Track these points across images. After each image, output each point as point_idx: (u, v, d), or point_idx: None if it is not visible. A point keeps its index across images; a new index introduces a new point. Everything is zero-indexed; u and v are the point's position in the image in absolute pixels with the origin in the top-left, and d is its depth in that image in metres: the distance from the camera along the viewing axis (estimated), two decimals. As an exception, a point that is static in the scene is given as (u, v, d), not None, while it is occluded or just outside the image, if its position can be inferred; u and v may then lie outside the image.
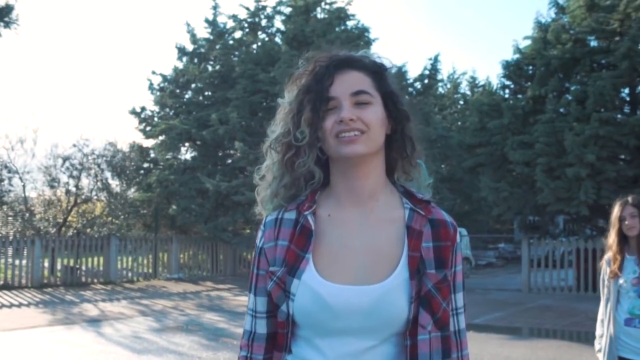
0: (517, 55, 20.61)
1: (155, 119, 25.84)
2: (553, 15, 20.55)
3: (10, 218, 24.18)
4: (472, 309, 15.82)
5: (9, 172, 23.44)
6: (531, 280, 19.43)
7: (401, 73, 24.24)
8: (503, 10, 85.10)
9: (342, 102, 1.64)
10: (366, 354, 1.60)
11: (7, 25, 20.01)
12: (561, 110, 18.90)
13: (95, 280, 20.63)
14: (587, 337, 12.21)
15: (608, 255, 4.80)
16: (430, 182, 1.96)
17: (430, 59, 25.36)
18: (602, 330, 4.81)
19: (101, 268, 21.22)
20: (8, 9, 19.86)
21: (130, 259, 22.22)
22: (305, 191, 1.73)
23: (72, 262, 20.52)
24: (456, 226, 1.73)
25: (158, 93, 25.94)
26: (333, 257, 1.64)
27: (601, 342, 4.80)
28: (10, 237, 20.96)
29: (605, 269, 4.84)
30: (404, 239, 1.64)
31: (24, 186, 23.70)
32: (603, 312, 4.84)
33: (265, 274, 1.69)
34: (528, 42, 20.65)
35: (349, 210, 1.69)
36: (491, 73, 49.10)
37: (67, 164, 23.87)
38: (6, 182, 23.51)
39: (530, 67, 20.29)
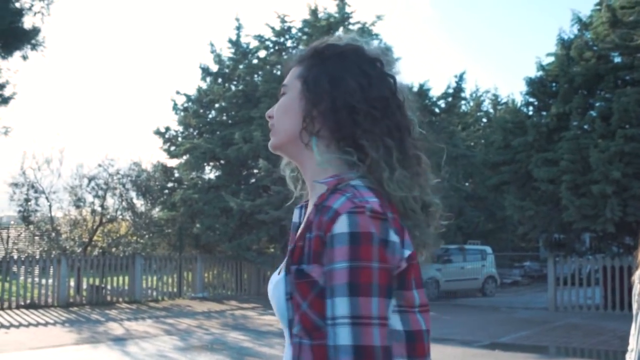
0: (540, 73, 20.54)
1: (179, 138, 26.00)
2: (576, 32, 20.45)
3: (36, 237, 24.40)
4: (497, 328, 15.72)
5: (36, 192, 23.68)
6: (557, 299, 19.25)
7: (423, 91, 24.23)
8: (525, 27, 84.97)
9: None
10: (286, 348, 1.48)
11: (33, 47, 20.28)
12: (586, 127, 18.80)
13: (121, 299, 20.71)
14: (615, 356, 12.07)
15: (638, 272, 4.76)
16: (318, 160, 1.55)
17: (456, 77, 25.27)
18: (633, 344, 4.76)
19: (126, 287, 21.31)
20: (35, 31, 20.14)
21: (155, 278, 22.30)
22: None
23: (97, 282, 20.64)
24: (340, 215, 1.33)
25: (182, 113, 26.11)
26: None
27: (631, 356, 4.75)
28: (37, 257, 21.12)
29: (637, 285, 4.81)
30: None
31: (50, 206, 23.92)
32: (634, 326, 4.80)
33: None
34: (551, 59, 20.58)
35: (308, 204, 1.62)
36: (514, 90, 49.04)
37: (92, 183, 24.07)
38: (33, 202, 23.74)
39: (554, 84, 20.20)
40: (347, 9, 24.99)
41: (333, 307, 1.31)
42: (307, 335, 1.35)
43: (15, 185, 23.53)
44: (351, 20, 25.17)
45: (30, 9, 19.97)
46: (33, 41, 20.19)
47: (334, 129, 1.50)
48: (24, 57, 20.22)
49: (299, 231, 1.46)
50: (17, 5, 19.55)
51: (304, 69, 1.60)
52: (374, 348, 1.28)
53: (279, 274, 1.52)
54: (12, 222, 29.35)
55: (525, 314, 18.77)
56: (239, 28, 26.33)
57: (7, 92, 20.54)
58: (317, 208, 1.39)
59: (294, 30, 26.02)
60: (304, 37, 25.36)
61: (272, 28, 26.02)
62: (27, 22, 19.99)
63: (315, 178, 1.52)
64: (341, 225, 1.32)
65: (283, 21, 25.90)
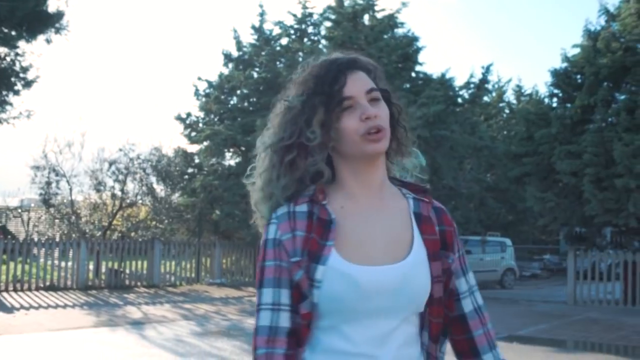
0: (565, 64, 20.33)
1: (200, 124, 26.01)
2: (603, 23, 20.20)
3: (57, 220, 24.54)
4: (516, 320, 15.61)
5: (57, 175, 23.78)
6: (577, 293, 19.09)
7: (446, 80, 24.01)
8: (551, 17, 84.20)
9: (359, 101, 1.70)
10: (391, 335, 1.64)
11: (57, 31, 20.34)
12: (610, 120, 18.60)
13: (139, 284, 20.79)
14: (634, 352, 11.96)
15: None
16: (423, 164, 1.93)
17: (482, 68, 24.88)
18: None
19: (145, 271, 21.38)
20: (59, 15, 20.19)
21: (173, 263, 22.35)
22: (309, 189, 1.75)
23: (116, 265, 20.73)
24: (442, 207, 1.85)
25: (203, 99, 26.11)
26: (354, 243, 1.68)
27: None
28: (57, 239, 21.24)
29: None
30: (412, 225, 1.73)
31: (70, 189, 24.03)
32: None
33: (288, 266, 1.67)
34: (577, 50, 20.36)
35: (361, 201, 1.74)
36: (538, 81, 48.57)
37: (113, 168, 24.15)
38: (54, 185, 23.85)
39: (579, 76, 19.99)
40: (372, -4, 24.81)
41: (469, 279, 1.83)
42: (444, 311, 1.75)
43: (37, 168, 23.66)
44: (376, 8, 25.02)
45: (54, -8, 20.02)
46: (57, 25, 20.25)
47: (401, 137, 1.85)
48: (48, 41, 20.29)
49: (425, 226, 1.75)
50: (42, -12, 19.59)
51: (375, 81, 1.78)
52: None
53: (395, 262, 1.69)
54: (32, 205, 29.56)
55: (544, 307, 18.65)
56: (262, 14, 26.28)
57: (30, 76, 20.63)
58: (435, 209, 1.81)
59: (315, 17, 25.91)
60: (327, 24, 25.26)
61: (294, 15, 25.93)
62: (52, 5, 20.08)
63: (384, 177, 1.79)
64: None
65: (304, 7, 25.78)
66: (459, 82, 25.50)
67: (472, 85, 24.82)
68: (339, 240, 1.67)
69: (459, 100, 24.72)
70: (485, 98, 29.54)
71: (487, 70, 25.00)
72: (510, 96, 40.02)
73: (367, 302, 1.62)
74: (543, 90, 34.83)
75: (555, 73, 20.44)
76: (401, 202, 1.78)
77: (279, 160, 1.75)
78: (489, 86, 27.53)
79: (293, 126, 1.74)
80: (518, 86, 39.92)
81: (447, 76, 24.30)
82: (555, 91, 20.95)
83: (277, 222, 1.72)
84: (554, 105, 21.07)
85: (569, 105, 20.23)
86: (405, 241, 1.70)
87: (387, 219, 1.73)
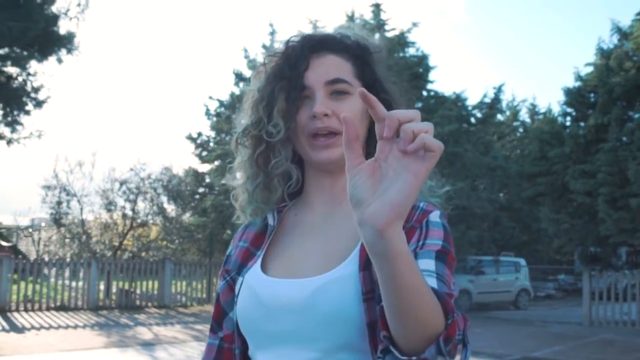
0: (578, 83, 20.26)
1: (211, 144, 26.02)
2: (615, 42, 20.17)
3: (67, 240, 24.50)
4: (530, 342, 15.42)
5: (68, 194, 23.76)
6: (592, 314, 18.85)
7: (460, 100, 23.97)
8: (565, 36, 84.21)
9: (315, 93, 1.41)
10: None
11: (68, 51, 20.44)
12: (624, 138, 18.49)
13: (150, 304, 20.68)
14: (653, 375, 11.75)
15: None
16: (431, 185, 1.52)
17: (494, 88, 24.94)
18: None
19: (155, 292, 21.28)
20: (70, 36, 20.29)
21: (184, 283, 22.25)
22: (279, 193, 1.49)
23: (127, 286, 20.63)
24: (431, 211, 1.37)
25: (214, 118, 26.14)
26: (286, 255, 1.42)
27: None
28: (68, 259, 21.19)
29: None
30: None
31: (81, 209, 23.99)
32: None
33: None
34: (590, 69, 20.30)
35: (317, 209, 1.47)
36: (552, 100, 48.50)
37: (124, 187, 24.11)
38: (64, 204, 23.83)
39: (592, 95, 19.91)
40: (383, 16, 24.85)
41: (428, 265, 1.29)
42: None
43: (48, 187, 23.66)
44: (386, 27, 25.03)
45: (66, 14, 20.15)
46: (68, 46, 20.36)
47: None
48: (59, 61, 20.39)
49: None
50: (53, 9, 19.72)
51: (357, 69, 1.47)
52: None
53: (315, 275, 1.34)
54: (43, 224, 29.56)
55: (559, 328, 18.41)
56: (272, 34, 26.32)
57: (41, 96, 20.73)
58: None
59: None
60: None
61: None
62: (63, 27, 20.17)
63: None
64: (435, 217, 1.36)
65: (315, 27, 25.78)
66: (471, 102, 25.51)
67: (485, 105, 24.78)
68: (272, 251, 1.44)
69: (472, 119, 24.67)
70: (499, 117, 29.49)
71: (500, 89, 24.97)
72: (524, 115, 39.93)
73: (273, 322, 1.32)
74: (557, 109, 34.78)
75: (568, 92, 20.37)
76: None
77: (250, 154, 1.49)
78: (503, 105, 27.47)
79: (256, 114, 1.47)
80: (532, 105, 39.81)
81: (463, 97, 24.33)
82: (569, 110, 20.90)
83: (234, 236, 1.57)
84: (568, 124, 20.99)
85: (582, 124, 20.16)
86: (343, 252, 1.35)
87: (339, 229, 1.41)
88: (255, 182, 1.48)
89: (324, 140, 1.39)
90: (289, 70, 1.43)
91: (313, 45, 1.45)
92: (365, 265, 1.28)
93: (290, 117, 1.41)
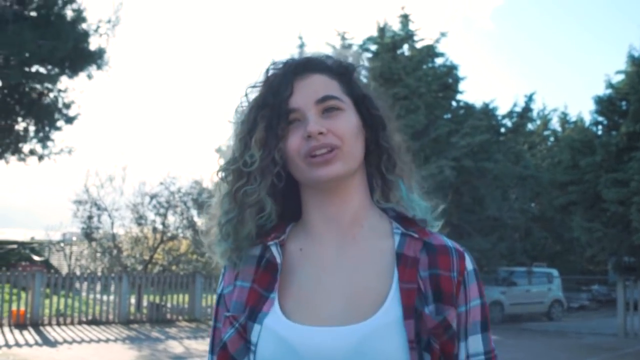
0: (609, 91, 20.05)
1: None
2: (646, 49, 19.93)
3: (98, 254, 24.67)
4: (564, 354, 15.22)
5: (99, 209, 23.95)
6: (627, 324, 18.58)
7: (490, 110, 23.86)
8: (594, 44, 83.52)
9: (306, 113, 1.35)
10: None
11: (99, 67, 20.64)
12: (657, 146, 18.23)
13: (180, 318, 20.71)
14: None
15: None
16: (426, 207, 1.49)
17: (525, 97, 24.89)
18: None
19: (186, 305, 21.32)
20: (100, 52, 20.49)
21: (215, 297, 22.24)
22: (251, 228, 1.39)
23: (157, 299, 20.70)
24: (464, 253, 1.37)
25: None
26: (304, 296, 1.33)
27: None
28: (99, 273, 21.33)
29: None
30: (393, 272, 1.31)
31: (112, 223, 24.15)
32: None
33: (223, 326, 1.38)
34: (621, 76, 20.08)
35: (326, 241, 1.38)
36: (584, 109, 48.06)
37: (154, 201, 24.25)
38: (95, 219, 24.02)
39: (624, 102, 19.69)
40: (411, 26, 24.81)
41: (472, 345, 1.33)
42: None
43: (79, 202, 23.85)
44: (415, 38, 24.99)
45: (96, 30, 20.35)
46: (98, 62, 20.55)
47: (377, 163, 1.46)
48: (89, 77, 20.58)
49: (405, 270, 1.31)
50: (84, 27, 19.94)
51: (344, 85, 1.43)
52: None
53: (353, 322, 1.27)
54: (74, 239, 29.82)
55: (593, 339, 18.16)
56: (301, 46, 26.36)
57: (72, 112, 20.93)
58: (428, 247, 1.35)
59: (354, 48, 25.93)
60: (368, 55, 25.27)
61: (333, 46, 25.98)
62: (93, 43, 20.38)
63: (360, 210, 1.40)
64: (470, 264, 1.37)
65: (343, 38, 25.85)
66: (500, 112, 25.37)
67: (515, 114, 24.64)
68: (286, 292, 1.34)
69: (502, 129, 24.54)
70: (530, 126, 29.31)
71: (530, 98, 24.84)
72: (555, 124, 39.60)
73: None
74: (588, 118, 34.45)
75: (599, 100, 20.19)
76: (385, 241, 1.37)
77: (229, 190, 1.40)
78: (533, 114, 27.29)
79: (235, 148, 1.40)
80: (563, 114, 39.43)
81: (492, 106, 24.21)
82: (600, 119, 20.69)
83: (224, 272, 1.46)
84: (599, 132, 20.76)
85: (614, 132, 19.93)
86: (378, 295, 1.28)
87: (354, 266, 1.34)
88: (228, 217, 1.39)
89: (323, 156, 1.31)
90: (272, 98, 1.37)
91: (296, 69, 1.42)
92: (408, 313, 1.25)
93: (271, 146, 1.35)
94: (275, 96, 1.37)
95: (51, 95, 20.62)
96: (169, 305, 21.00)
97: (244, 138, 1.37)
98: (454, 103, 24.59)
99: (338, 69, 1.44)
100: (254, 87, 1.44)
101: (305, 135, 1.32)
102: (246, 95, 1.44)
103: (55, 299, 18.54)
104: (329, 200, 1.37)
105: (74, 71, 20.24)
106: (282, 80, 1.39)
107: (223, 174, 1.41)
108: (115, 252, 23.86)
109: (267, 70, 1.44)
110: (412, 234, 1.36)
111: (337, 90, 1.39)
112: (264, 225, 1.41)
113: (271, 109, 1.36)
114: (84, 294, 19.64)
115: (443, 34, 24.86)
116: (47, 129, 20.66)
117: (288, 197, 1.44)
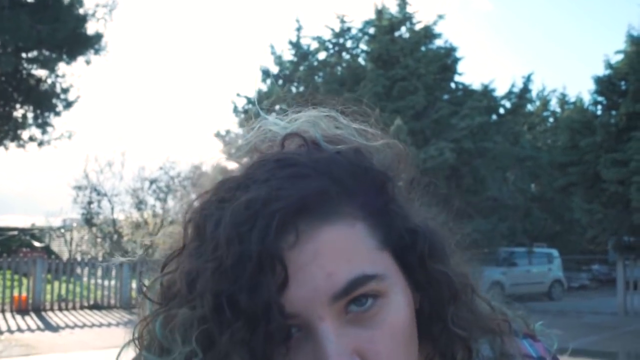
0: (608, 71, 19.97)
1: (239, 141, 26.05)
2: (646, 28, 19.84)
3: (99, 239, 24.72)
4: (564, 333, 15.20)
5: (98, 194, 24.01)
6: (627, 303, 18.64)
7: (488, 91, 23.79)
8: (593, 24, 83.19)
9: (314, 322, 0.69)
10: None
11: (96, 52, 20.60)
12: (657, 126, 18.19)
13: (182, 301, 20.78)
14: (691, 364, 11.58)
15: None
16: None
17: (523, 77, 24.81)
18: None
19: (187, 289, 21.37)
20: (98, 37, 20.44)
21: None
22: None
23: (159, 283, 20.76)
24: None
25: (242, 115, 26.18)
26: None
27: None
28: (100, 259, 21.38)
29: None
30: None
31: (112, 208, 24.22)
32: None
33: None
34: (620, 56, 19.99)
35: None
36: (583, 90, 47.99)
37: (153, 186, 24.29)
38: (95, 204, 24.07)
39: (623, 82, 19.61)
40: (409, 9, 24.70)
41: None
42: None
43: (79, 188, 23.92)
44: (413, 20, 24.89)
45: (93, 15, 20.31)
46: (96, 46, 20.50)
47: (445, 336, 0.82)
48: (87, 62, 20.57)
49: None
50: (81, 11, 19.87)
51: (375, 228, 0.74)
52: None
53: None
54: (75, 224, 29.86)
55: (594, 318, 18.22)
56: (299, 29, 26.29)
57: (70, 97, 20.92)
58: None
59: (353, 31, 25.85)
60: (365, 37, 25.18)
61: (332, 29, 25.88)
62: (91, 28, 20.33)
63: None
64: None
65: (342, 21, 25.75)
66: (499, 92, 25.28)
67: (513, 95, 24.58)
68: None
69: (501, 110, 24.49)
70: (529, 107, 29.24)
71: (529, 79, 24.78)
72: (554, 105, 39.47)
73: None
74: (587, 98, 34.35)
75: (598, 80, 20.08)
76: None
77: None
78: (532, 95, 27.21)
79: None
80: (562, 94, 39.30)
81: (490, 88, 24.15)
82: (599, 99, 20.59)
83: None
84: (598, 113, 20.69)
85: (613, 112, 19.85)
86: None
87: None
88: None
89: None
90: (246, 297, 0.68)
91: (281, 221, 0.70)
92: None
93: None
94: (251, 293, 0.67)
95: (49, 80, 20.58)
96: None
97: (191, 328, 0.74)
98: (452, 85, 24.53)
99: (367, 194, 0.76)
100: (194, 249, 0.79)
101: None
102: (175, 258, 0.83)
103: (56, 284, 18.58)
104: None
105: (71, 56, 20.19)
106: (262, 254, 0.68)
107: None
108: (115, 237, 23.91)
109: (222, 200, 0.79)
110: None
111: (368, 250, 0.72)
112: None
113: (247, 320, 0.68)
114: (85, 279, 19.69)
115: (440, 16, 24.83)
116: (46, 114, 20.64)
117: None
